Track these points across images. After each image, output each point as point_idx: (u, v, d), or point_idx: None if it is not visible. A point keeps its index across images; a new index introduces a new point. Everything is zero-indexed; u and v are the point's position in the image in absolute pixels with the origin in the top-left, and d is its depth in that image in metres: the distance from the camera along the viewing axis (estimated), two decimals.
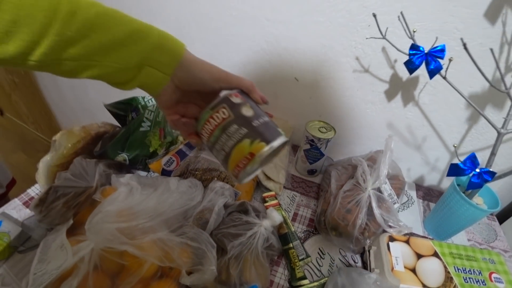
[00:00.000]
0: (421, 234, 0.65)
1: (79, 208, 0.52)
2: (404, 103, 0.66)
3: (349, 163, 0.63)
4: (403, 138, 0.72)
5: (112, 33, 0.27)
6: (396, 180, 0.63)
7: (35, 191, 0.65)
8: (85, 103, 1.36)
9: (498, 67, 0.47)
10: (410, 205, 0.71)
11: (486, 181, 0.52)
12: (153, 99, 0.69)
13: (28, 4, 0.23)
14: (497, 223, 0.73)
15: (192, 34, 0.78)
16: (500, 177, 0.53)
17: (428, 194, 0.75)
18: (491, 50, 0.46)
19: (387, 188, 0.60)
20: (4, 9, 0.22)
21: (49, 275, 0.38)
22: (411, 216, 0.68)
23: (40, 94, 1.73)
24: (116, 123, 0.71)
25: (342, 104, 0.71)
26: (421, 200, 0.73)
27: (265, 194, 0.62)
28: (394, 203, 0.60)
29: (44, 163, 0.61)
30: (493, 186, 0.73)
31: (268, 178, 0.63)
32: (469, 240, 0.66)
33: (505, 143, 0.65)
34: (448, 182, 0.75)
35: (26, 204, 0.62)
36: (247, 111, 0.32)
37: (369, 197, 0.54)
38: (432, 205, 0.72)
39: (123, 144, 0.63)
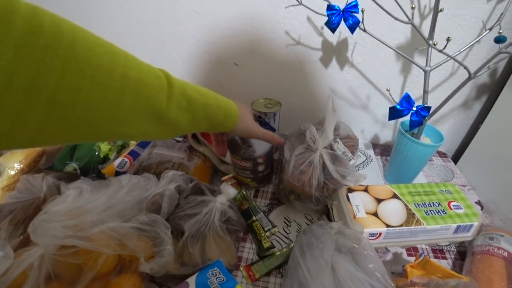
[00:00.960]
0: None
1: (28, 223, 0.49)
2: (340, 66, 0.69)
3: (300, 132, 0.64)
4: (348, 100, 0.74)
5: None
6: (348, 139, 0.65)
7: None
8: None
9: (397, 2, 0.50)
10: (369, 162, 0.73)
11: (424, 116, 0.55)
12: None
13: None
14: (452, 163, 0.76)
15: (131, 42, 0.78)
16: (436, 110, 0.56)
17: (385, 150, 0.77)
18: None
19: (340, 147, 0.61)
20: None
21: None
22: (372, 172, 0.70)
23: None
24: None
25: (284, 79, 0.73)
26: (379, 157, 0.75)
27: (223, 178, 0.61)
28: (350, 160, 0.61)
29: None
30: (441, 128, 0.77)
31: (223, 162, 0.63)
32: (428, 182, 0.69)
33: (437, 88, 0.70)
34: None
35: None
36: None
37: (321, 156, 0.55)
38: (389, 159, 0.74)
39: (70, 154, 0.61)
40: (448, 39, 0.47)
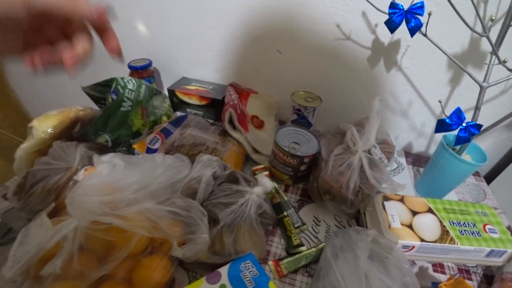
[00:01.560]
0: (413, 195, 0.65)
1: (60, 191, 0.49)
2: (386, 68, 0.66)
3: (337, 131, 0.63)
4: (388, 105, 0.72)
5: None
6: (385, 145, 0.63)
7: (14, 183, 0.61)
8: (63, 98, 1.30)
9: (476, 10, 0.47)
10: (400, 171, 0.71)
11: (473, 134, 0.53)
12: (133, 80, 0.66)
13: None
14: (485, 183, 0.74)
15: (170, 12, 0.75)
16: (487, 129, 0.54)
17: (417, 160, 0.75)
18: None
19: (377, 152, 0.59)
20: None
21: (29, 253, 0.35)
22: (402, 181, 0.67)
23: (15, 95, 1.65)
24: (96, 107, 0.69)
25: (326, 74, 0.70)
26: (410, 166, 0.73)
27: (254, 168, 0.60)
28: (386, 166, 0.60)
29: (21, 151, 0.58)
30: (481, 145, 0.74)
31: (256, 151, 0.62)
32: (464, 201, 0.67)
33: (488, 102, 0.67)
34: (435, 146, 0.75)
35: (5, 197, 0.58)
36: None
37: (360, 159, 0.54)
38: (422, 170, 0.72)
39: (104, 125, 0.60)
40: None
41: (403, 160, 0.74)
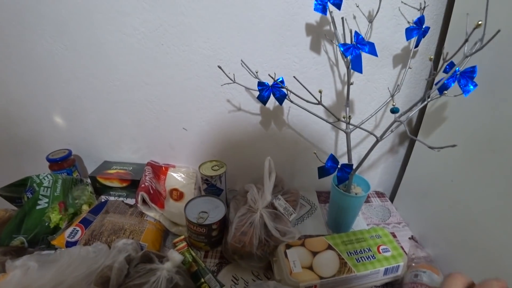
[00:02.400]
0: (327, 234, 0.73)
1: None
2: (278, 127, 0.78)
3: (245, 190, 0.70)
4: (290, 155, 0.82)
5: None
6: (289, 194, 0.71)
7: None
8: None
9: (305, 87, 0.58)
10: (313, 211, 0.80)
11: (348, 172, 0.64)
12: (49, 175, 0.68)
13: None
14: (389, 202, 0.85)
15: (85, 105, 0.81)
16: (358, 166, 0.65)
17: (328, 197, 0.85)
18: (294, 77, 0.58)
19: (281, 203, 0.67)
20: None
21: None
22: (316, 221, 0.77)
23: None
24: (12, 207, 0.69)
25: (230, 141, 0.80)
26: (323, 204, 0.83)
27: (175, 240, 0.64)
28: (291, 214, 0.67)
29: None
30: (375, 174, 0.87)
31: (175, 224, 0.66)
32: (368, 224, 0.77)
33: (366, 139, 0.80)
34: None
35: None
36: None
37: (262, 216, 0.61)
38: None
39: (18, 227, 0.61)
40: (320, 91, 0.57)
41: (315, 200, 0.83)
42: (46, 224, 0.64)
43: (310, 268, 0.55)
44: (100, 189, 0.81)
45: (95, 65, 0.73)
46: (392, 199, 0.87)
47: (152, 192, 0.66)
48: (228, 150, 0.81)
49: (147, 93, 0.76)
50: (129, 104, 0.78)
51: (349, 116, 0.61)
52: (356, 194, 0.68)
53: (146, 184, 0.67)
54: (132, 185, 0.78)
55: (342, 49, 0.55)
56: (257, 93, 0.65)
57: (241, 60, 0.64)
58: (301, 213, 0.78)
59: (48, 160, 0.82)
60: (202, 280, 0.56)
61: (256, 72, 0.64)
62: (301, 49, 0.69)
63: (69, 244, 0.61)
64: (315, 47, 0.69)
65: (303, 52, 0.69)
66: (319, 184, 0.89)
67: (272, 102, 0.75)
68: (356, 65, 0.55)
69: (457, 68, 0.50)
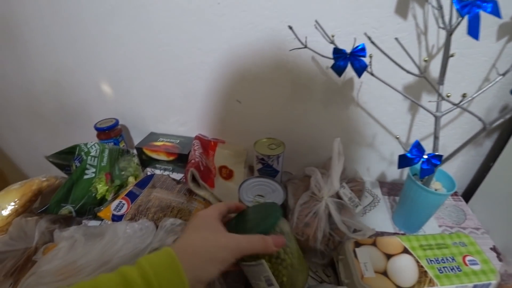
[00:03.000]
0: (392, 231, 0.63)
1: (18, 274, 0.47)
2: (345, 106, 0.67)
3: (305, 174, 0.62)
4: (354, 139, 0.72)
5: None
6: (354, 182, 0.62)
7: None
8: (37, 160, 1.29)
9: (408, 54, 0.49)
10: (376, 204, 0.70)
11: (436, 165, 0.52)
12: (96, 145, 0.66)
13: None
14: (463, 202, 0.73)
15: (133, 74, 0.77)
16: (448, 158, 0.53)
17: (393, 189, 0.74)
18: (396, 39, 0.48)
19: (346, 193, 0.59)
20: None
21: None
22: (379, 215, 0.67)
23: None
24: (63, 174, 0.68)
25: (288, 118, 0.71)
26: (386, 197, 0.72)
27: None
28: (356, 206, 0.58)
29: None
30: (450, 168, 0.74)
31: None
32: (440, 226, 0.66)
33: (448, 125, 0.67)
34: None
35: None
36: None
37: (327, 206, 0.53)
38: (397, 199, 0.71)
39: (66, 195, 0.59)
40: (464, 95, 0.45)
41: (378, 191, 0.73)
42: (93, 194, 0.62)
43: (384, 273, 0.47)
44: (145, 161, 0.78)
45: (142, 29, 0.68)
46: (467, 199, 0.74)
47: (202, 169, 0.60)
48: (286, 129, 0.72)
49: (198, 61, 0.69)
50: (178, 72, 0.72)
51: (448, 95, 0.49)
52: (436, 190, 0.57)
53: (196, 159, 0.60)
54: (179, 159, 0.73)
55: (457, 6, 0.42)
56: (328, 62, 0.54)
57: (316, 21, 0.53)
58: (363, 204, 0.69)
59: (96, 128, 0.80)
60: None
61: (332, 37, 0.53)
62: (384, 12, 0.57)
63: (115, 218, 0.58)
64: (402, 10, 0.56)
65: (385, 15, 0.57)
66: (381, 174, 0.78)
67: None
68: (473, 29, 0.43)
69: None
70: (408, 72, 0.50)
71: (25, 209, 0.60)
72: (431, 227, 0.65)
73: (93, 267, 0.43)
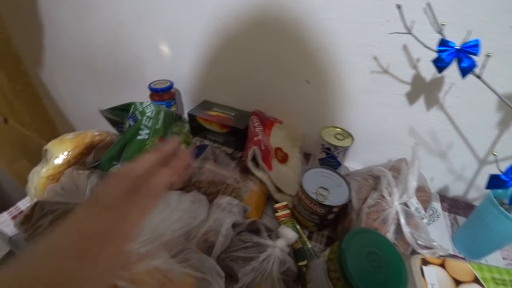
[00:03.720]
0: (451, 252, 0.58)
1: None
2: (427, 106, 0.60)
3: (369, 173, 0.57)
4: (425, 144, 0.65)
5: None
6: (422, 192, 0.56)
7: (25, 204, 0.60)
8: (86, 111, 1.32)
9: None
10: (435, 219, 0.64)
11: None
12: (152, 105, 0.63)
13: None
14: None
15: (191, 37, 0.73)
16: None
17: (454, 206, 0.68)
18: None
19: (413, 202, 0.53)
20: None
21: None
22: (437, 231, 0.61)
23: (42, 102, 1.71)
24: (114, 131, 0.66)
25: (358, 108, 0.65)
26: (446, 213, 0.66)
27: (277, 205, 0.55)
28: (422, 218, 0.53)
29: (34, 175, 0.56)
30: None
31: (279, 190, 0.56)
32: (504, 258, 0.59)
33: None
34: (475, 192, 0.68)
35: (15, 218, 0.56)
36: None
37: (397, 212, 0.48)
38: (459, 218, 0.65)
39: (118, 154, 0.57)
40: None
41: (438, 205, 0.67)
42: None
43: None
44: (196, 129, 0.75)
45: None
46: None
47: (263, 148, 0.56)
48: (352, 119, 0.66)
49: (269, 32, 0.63)
50: (246, 40, 0.67)
51: None
52: None
53: (259, 137, 0.57)
54: (232, 133, 0.70)
55: None
56: (419, 52, 0.47)
57: (427, 4, 0.46)
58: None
59: (150, 88, 0.78)
60: (305, 262, 0.46)
61: (442, 25, 0.46)
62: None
63: None
64: None
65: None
66: (443, 187, 0.71)
67: (429, 72, 0.57)
68: None
69: None
70: None
71: (76, 161, 0.59)
72: (495, 258, 0.58)
73: (145, 238, 0.40)
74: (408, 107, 0.61)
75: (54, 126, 1.88)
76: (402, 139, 0.65)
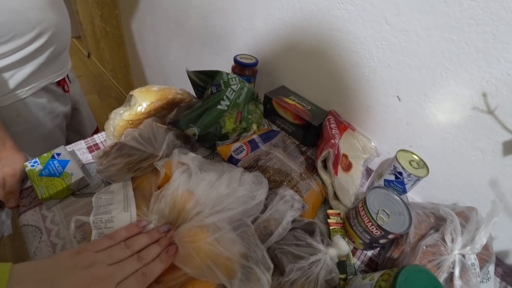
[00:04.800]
0: None
1: (139, 172, 0.50)
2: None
3: (432, 210, 0.54)
4: (505, 202, 0.60)
5: None
6: (484, 250, 0.53)
7: (100, 138, 0.65)
8: (164, 65, 1.39)
9: None
10: (485, 281, 0.60)
11: None
12: (237, 79, 0.64)
13: None
14: None
15: (292, 20, 0.72)
16: None
17: (509, 274, 0.63)
18: None
19: (471, 257, 0.50)
20: None
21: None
22: None
23: (124, 46, 1.82)
24: (192, 92, 0.69)
25: (443, 140, 0.60)
26: (498, 279, 0.61)
27: (330, 211, 0.56)
28: (476, 277, 0.50)
29: (115, 115, 0.60)
30: None
31: (337, 197, 0.57)
32: None
33: None
34: None
35: (89, 149, 0.62)
36: None
37: (454, 261, 0.46)
38: None
39: (197, 117, 0.59)
40: None
41: (491, 267, 0.62)
42: (220, 127, 0.61)
43: None
44: (268, 112, 0.75)
45: None
46: None
47: (336, 152, 0.56)
48: (432, 149, 0.62)
49: (381, 36, 0.60)
50: (348, 40, 0.65)
51: None
52: None
53: (336, 141, 0.56)
54: (305, 127, 0.69)
55: None
56: None
57: None
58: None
59: (236, 61, 0.79)
60: (344, 276, 0.47)
61: None
62: None
63: (231, 159, 0.57)
64: None
65: None
66: (503, 251, 0.66)
67: None
68: None
69: None
70: None
71: (156, 113, 0.61)
72: None
73: (211, 208, 0.42)
74: (501, 157, 0.56)
75: (128, 70, 2.02)
76: (480, 188, 0.60)
